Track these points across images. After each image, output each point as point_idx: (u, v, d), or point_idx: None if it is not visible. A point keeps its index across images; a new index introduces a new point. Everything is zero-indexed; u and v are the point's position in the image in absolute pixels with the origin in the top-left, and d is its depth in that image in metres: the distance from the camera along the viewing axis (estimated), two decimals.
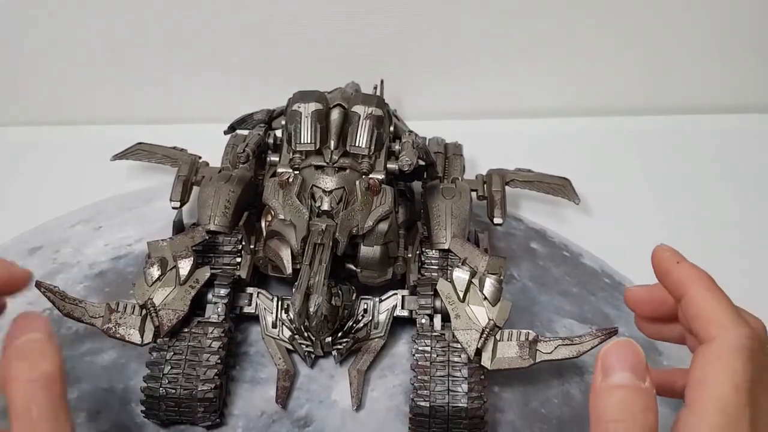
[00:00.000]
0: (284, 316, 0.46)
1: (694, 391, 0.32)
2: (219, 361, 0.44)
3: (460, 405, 0.42)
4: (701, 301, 0.35)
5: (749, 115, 0.71)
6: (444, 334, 0.44)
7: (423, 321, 0.45)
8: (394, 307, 0.47)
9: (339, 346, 0.45)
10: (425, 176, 0.53)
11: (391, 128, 0.50)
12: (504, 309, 0.43)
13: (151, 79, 0.70)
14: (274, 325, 0.47)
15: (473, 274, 0.44)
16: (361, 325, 0.46)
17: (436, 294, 0.45)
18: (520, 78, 0.71)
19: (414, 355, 0.44)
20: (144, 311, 0.44)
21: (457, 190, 0.51)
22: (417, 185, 0.54)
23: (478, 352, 0.42)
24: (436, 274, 0.47)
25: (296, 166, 0.47)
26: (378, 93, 0.60)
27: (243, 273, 0.48)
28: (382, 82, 0.61)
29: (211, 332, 0.44)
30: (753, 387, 0.32)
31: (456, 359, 0.43)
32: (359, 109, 0.48)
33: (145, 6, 0.65)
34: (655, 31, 0.68)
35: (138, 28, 0.67)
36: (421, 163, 0.50)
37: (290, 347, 0.46)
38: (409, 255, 0.49)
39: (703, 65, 0.71)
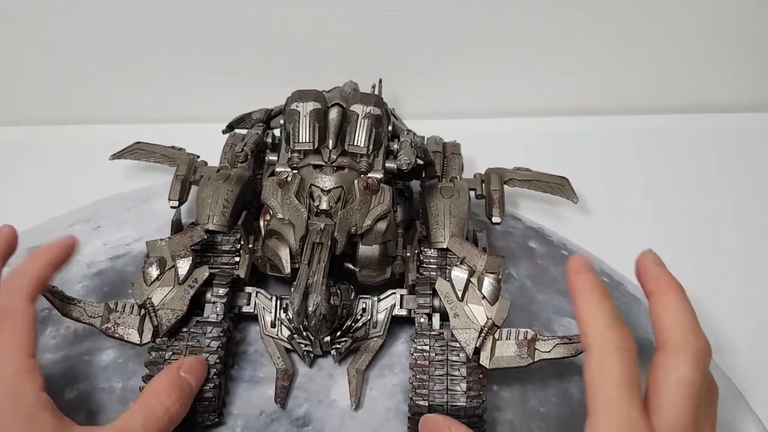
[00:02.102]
0: (283, 315, 0.46)
1: (651, 392, 0.36)
2: (218, 360, 0.44)
3: (458, 404, 0.42)
4: (662, 309, 0.38)
5: (749, 115, 0.71)
6: (442, 333, 0.44)
7: (422, 320, 0.45)
8: (393, 306, 0.47)
9: (338, 346, 0.45)
10: (423, 175, 0.53)
11: (390, 127, 0.50)
12: (502, 308, 0.43)
13: (150, 78, 0.70)
14: (273, 325, 0.47)
15: (472, 273, 0.44)
16: (359, 324, 0.46)
17: (434, 293, 0.45)
18: (518, 77, 0.71)
19: (413, 354, 0.44)
20: (143, 311, 0.44)
21: (456, 189, 0.51)
22: (415, 184, 0.54)
23: (477, 351, 0.42)
24: (434, 273, 0.47)
25: (295, 166, 0.47)
26: (376, 92, 0.60)
27: (241, 272, 0.48)
28: (380, 81, 0.61)
29: (210, 332, 0.44)
30: (700, 401, 0.35)
31: (454, 358, 0.43)
32: (357, 108, 0.48)
33: (144, 5, 0.65)
34: (655, 31, 0.68)
35: (136, 27, 0.66)
36: (420, 162, 0.50)
37: (289, 346, 0.46)
38: (408, 254, 0.49)
39: (703, 65, 0.71)
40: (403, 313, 0.47)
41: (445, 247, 0.48)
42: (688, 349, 0.36)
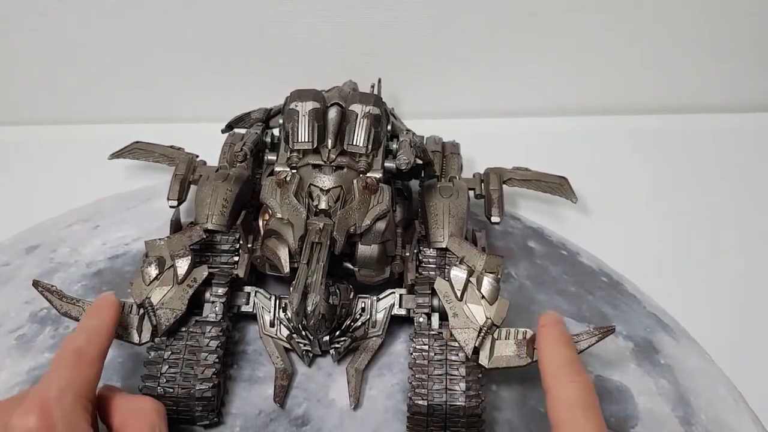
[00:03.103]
0: (282, 314, 0.46)
1: None
2: (217, 360, 0.44)
3: (457, 403, 0.42)
4: (541, 353, 0.41)
5: (749, 115, 0.71)
6: (441, 333, 0.44)
7: (421, 320, 0.45)
8: (392, 305, 0.47)
9: (337, 345, 0.45)
10: (423, 175, 0.53)
11: (389, 127, 0.50)
12: (501, 308, 0.43)
13: (149, 78, 0.70)
14: (272, 324, 0.47)
15: (471, 273, 0.44)
16: (358, 323, 0.46)
17: (433, 293, 0.45)
18: (517, 77, 0.71)
19: (412, 353, 0.44)
20: (141, 310, 0.44)
21: (455, 189, 0.51)
22: (414, 184, 0.54)
23: (476, 351, 0.42)
24: (433, 272, 0.47)
25: (294, 165, 0.47)
26: (375, 92, 0.60)
27: (240, 272, 0.48)
28: (379, 80, 0.61)
29: (209, 331, 0.44)
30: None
31: (454, 358, 0.43)
32: (357, 107, 0.48)
33: (144, 5, 0.65)
34: (655, 31, 0.68)
35: (136, 27, 0.66)
36: (419, 161, 0.50)
37: (288, 346, 0.46)
38: (407, 254, 0.49)
39: (703, 65, 0.71)
40: (402, 312, 0.47)
41: (444, 246, 0.48)
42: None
